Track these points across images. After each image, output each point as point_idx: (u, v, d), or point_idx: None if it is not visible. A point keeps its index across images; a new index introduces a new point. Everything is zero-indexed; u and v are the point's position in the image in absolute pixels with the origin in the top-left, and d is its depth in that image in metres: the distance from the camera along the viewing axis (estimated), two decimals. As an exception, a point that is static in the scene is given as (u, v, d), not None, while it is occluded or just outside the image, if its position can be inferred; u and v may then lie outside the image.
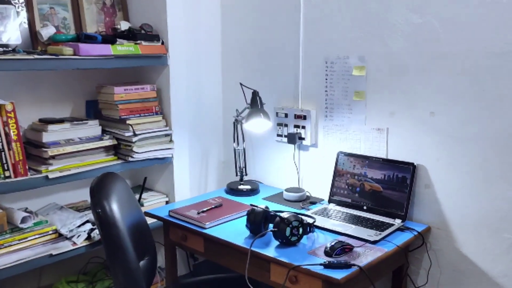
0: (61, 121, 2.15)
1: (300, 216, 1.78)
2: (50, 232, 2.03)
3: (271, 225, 1.83)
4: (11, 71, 1.99)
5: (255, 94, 2.22)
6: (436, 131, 1.91)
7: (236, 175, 2.45)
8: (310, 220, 1.84)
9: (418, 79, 1.94)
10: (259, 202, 2.25)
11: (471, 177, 1.84)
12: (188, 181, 2.52)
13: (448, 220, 1.92)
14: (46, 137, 2.05)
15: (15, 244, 1.92)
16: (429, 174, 1.95)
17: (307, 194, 2.29)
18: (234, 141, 2.43)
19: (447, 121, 1.88)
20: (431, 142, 1.93)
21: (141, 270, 1.64)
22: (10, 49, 1.94)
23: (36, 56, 1.88)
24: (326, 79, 2.23)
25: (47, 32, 2.11)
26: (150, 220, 2.23)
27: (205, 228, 1.93)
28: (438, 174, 1.93)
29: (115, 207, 1.59)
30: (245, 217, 1.86)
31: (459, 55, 1.82)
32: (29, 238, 1.96)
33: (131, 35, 2.23)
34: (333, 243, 1.68)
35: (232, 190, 2.36)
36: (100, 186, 1.64)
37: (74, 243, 2.06)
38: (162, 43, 2.33)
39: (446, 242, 1.93)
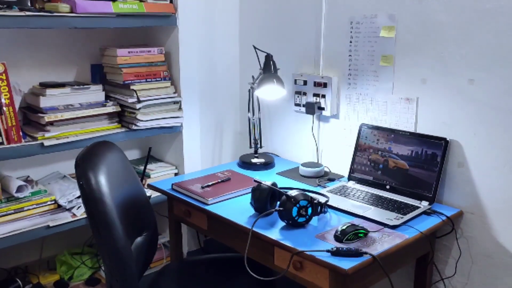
0: (62, 85, 2.02)
1: (310, 194, 1.58)
2: (49, 203, 1.93)
3: (279, 203, 1.64)
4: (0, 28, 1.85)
5: (268, 58, 1.99)
6: (474, 101, 1.65)
7: (250, 147, 2.27)
8: (322, 199, 1.64)
9: (456, 41, 1.66)
10: (273, 177, 2.06)
11: (514, 156, 1.58)
12: (199, 153, 2.35)
13: (484, 204, 1.67)
14: (44, 102, 1.92)
15: (10, 214, 1.83)
16: (464, 151, 1.69)
17: (326, 169, 2.08)
18: (248, 111, 2.23)
19: (488, 90, 1.61)
20: (468, 114, 1.67)
21: (130, 249, 1.50)
22: (4, 6, 1.80)
23: (27, 13, 1.73)
24: (351, 42, 1.98)
25: (45, -12, 1.95)
26: (156, 193, 2.10)
27: (207, 204, 1.76)
28: (474, 151, 1.67)
29: (102, 180, 1.44)
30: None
31: (508, 11, 1.52)
32: (25, 208, 1.87)
33: (136, -8, 2.05)
34: (344, 227, 1.48)
35: (245, 163, 2.18)
36: (88, 156, 1.49)
37: (74, 215, 1.96)
38: (171, 1, 2.13)
39: (480, 229, 1.68)
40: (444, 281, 1.79)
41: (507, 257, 1.63)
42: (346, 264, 1.32)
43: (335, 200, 1.74)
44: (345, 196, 1.80)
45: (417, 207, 1.68)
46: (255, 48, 2.06)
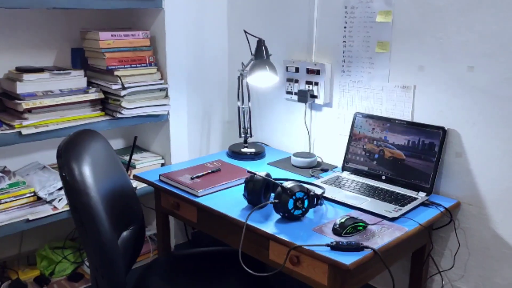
0: (40, 70, 1.90)
1: (306, 186, 1.52)
2: (28, 195, 1.83)
3: (273, 195, 1.57)
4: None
5: (260, 43, 1.91)
6: (474, 89, 1.60)
7: (240, 136, 2.19)
8: (318, 191, 1.57)
9: (456, 25, 1.60)
10: (263, 167, 1.99)
11: (514, 146, 1.54)
12: (187, 142, 2.26)
13: (483, 195, 1.63)
14: (21, 88, 1.81)
15: (-14, 207, 1.73)
16: (462, 140, 1.65)
17: (318, 160, 2.02)
18: (238, 99, 2.15)
19: (489, 78, 1.56)
20: (467, 102, 1.62)
21: (116, 243, 1.41)
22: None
23: (2, -8, 1.61)
24: (345, 27, 1.91)
25: (22, -34, 1.82)
26: (142, 184, 2.01)
27: (197, 196, 1.68)
28: (473, 141, 1.62)
29: (86, 171, 1.35)
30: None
31: (509, -5, 1.47)
32: (2, 201, 1.76)
33: (119, -29, 1.93)
34: (343, 220, 1.42)
35: (235, 153, 2.11)
36: (71, 145, 1.39)
37: (55, 207, 1.86)
38: (157, -18, 2.02)
39: (479, 220, 1.65)
40: (441, 273, 1.75)
41: (505, 249, 1.60)
42: (347, 259, 1.26)
43: (330, 191, 1.68)
44: (340, 187, 1.74)
45: (415, 198, 1.63)
46: (246, 33, 1.97)
